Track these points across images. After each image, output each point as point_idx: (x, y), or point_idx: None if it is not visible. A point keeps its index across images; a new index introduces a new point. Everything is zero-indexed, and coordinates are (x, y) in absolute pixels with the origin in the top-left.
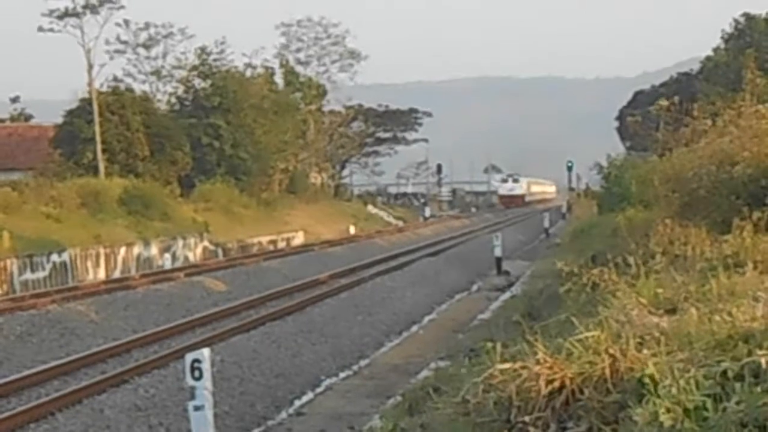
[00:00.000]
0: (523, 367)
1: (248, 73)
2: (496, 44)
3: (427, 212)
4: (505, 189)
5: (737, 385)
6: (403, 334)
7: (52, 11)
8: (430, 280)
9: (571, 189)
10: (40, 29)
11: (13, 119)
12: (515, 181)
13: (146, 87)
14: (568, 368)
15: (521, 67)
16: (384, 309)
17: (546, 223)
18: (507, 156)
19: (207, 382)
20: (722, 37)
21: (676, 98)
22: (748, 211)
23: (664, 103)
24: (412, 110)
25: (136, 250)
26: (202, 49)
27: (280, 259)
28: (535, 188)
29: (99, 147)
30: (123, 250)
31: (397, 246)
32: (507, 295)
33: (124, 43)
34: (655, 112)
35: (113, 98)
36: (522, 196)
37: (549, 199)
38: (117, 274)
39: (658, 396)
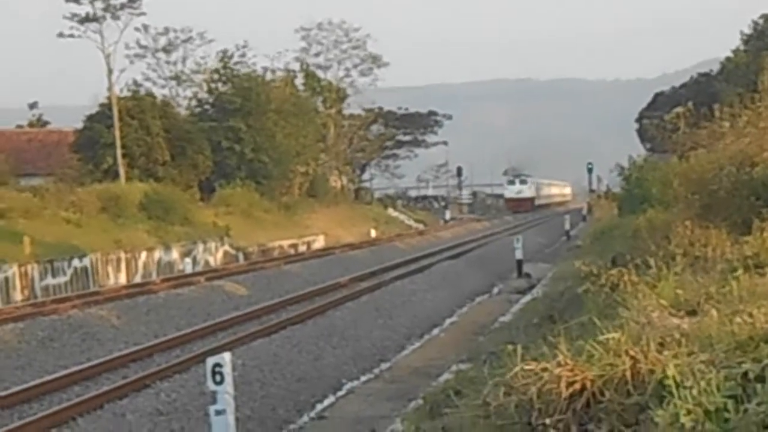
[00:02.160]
0: (544, 370)
1: (268, 76)
2: (516, 46)
3: (448, 215)
4: (512, 191)
5: (758, 386)
6: (424, 336)
7: (73, 15)
8: (450, 282)
9: (592, 191)
10: (61, 35)
11: (31, 125)
12: (523, 182)
13: (166, 91)
14: (589, 370)
15: (541, 69)
16: (405, 312)
17: (567, 226)
18: (527, 158)
19: (228, 386)
20: (741, 38)
21: (690, 104)
22: None
23: (679, 110)
24: (432, 113)
25: (157, 254)
26: (224, 52)
27: (300, 263)
28: (547, 190)
29: (119, 152)
30: (144, 254)
31: (417, 249)
32: (528, 297)
33: (144, 47)
34: (671, 120)
35: (133, 103)
36: (531, 199)
37: (564, 201)
38: (138, 279)
39: (679, 398)
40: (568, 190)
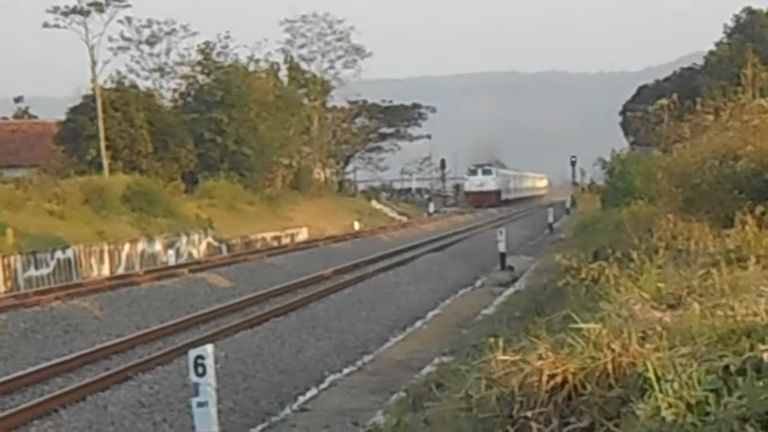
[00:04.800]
0: (526, 362)
1: (251, 67)
2: (501, 39)
3: (431, 208)
4: (474, 184)
5: (739, 379)
6: (407, 329)
7: (56, 8)
8: (434, 275)
9: (575, 184)
10: (45, 25)
11: (16, 117)
12: (486, 172)
13: (149, 84)
14: (571, 363)
15: (525, 62)
16: (388, 304)
17: (550, 218)
18: (511, 151)
19: (211, 378)
20: (725, 32)
21: (675, 96)
22: (751, 206)
23: (664, 102)
24: (416, 105)
25: (140, 246)
26: (206, 44)
27: (284, 255)
28: (517, 182)
29: (103, 144)
30: (127, 246)
31: (401, 241)
32: (511, 290)
33: (128, 40)
34: (655, 113)
35: (117, 95)
36: (496, 193)
37: (539, 195)
38: (121, 271)
39: (660, 391)
40: (543, 183)
